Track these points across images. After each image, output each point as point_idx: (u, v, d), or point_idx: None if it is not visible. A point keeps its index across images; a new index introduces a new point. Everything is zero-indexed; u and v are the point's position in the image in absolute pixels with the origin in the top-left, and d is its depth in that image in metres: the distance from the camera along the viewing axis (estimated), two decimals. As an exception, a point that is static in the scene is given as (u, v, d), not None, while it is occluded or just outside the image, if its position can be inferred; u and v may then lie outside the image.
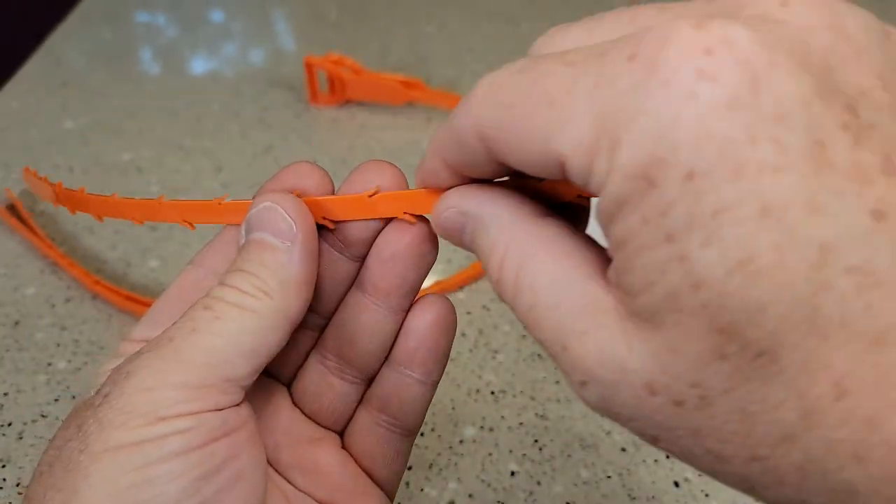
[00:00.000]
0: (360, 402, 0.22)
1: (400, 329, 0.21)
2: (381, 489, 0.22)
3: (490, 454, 0.32)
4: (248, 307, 0.18)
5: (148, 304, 0.37)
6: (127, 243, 0.43)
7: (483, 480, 0.31)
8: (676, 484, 0.31)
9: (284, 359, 0.22)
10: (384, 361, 0.21)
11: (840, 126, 0.12)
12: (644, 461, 0.31)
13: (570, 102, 0.13)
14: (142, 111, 0.55)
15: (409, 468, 0.31)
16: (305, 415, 0.22)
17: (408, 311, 0.21)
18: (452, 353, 0.36)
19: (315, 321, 0.22)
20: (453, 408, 0.34)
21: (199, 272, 0.21)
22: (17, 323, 0.38)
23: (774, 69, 0.12)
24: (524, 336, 0.37)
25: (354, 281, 0.21)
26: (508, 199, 0.17)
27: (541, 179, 0.17)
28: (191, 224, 0.21)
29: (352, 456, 0.22)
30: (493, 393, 0.35)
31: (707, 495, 0.30)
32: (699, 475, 0.31)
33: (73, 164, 0.49)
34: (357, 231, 0.20)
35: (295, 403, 0.22)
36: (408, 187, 0.19)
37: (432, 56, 0.61)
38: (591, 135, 0.13)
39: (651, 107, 0.12)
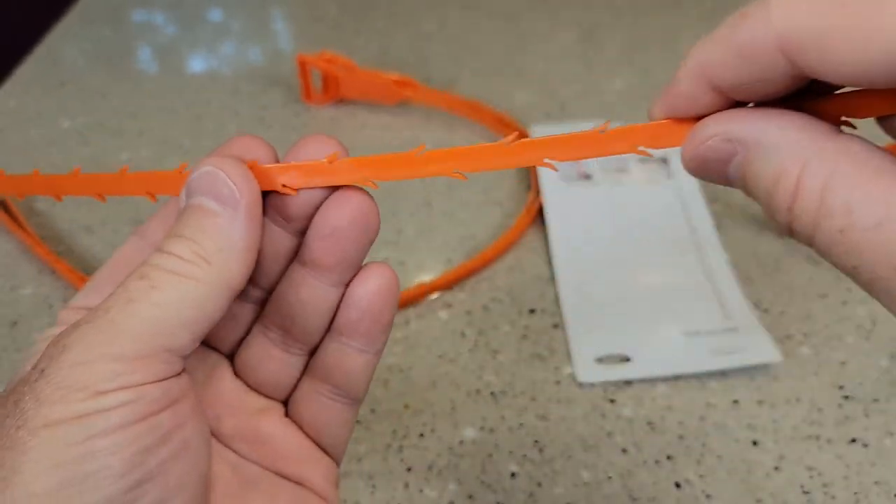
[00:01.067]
0: (303, 371, 0.22)
1: (342, 299, 0.20)
2: (328, 455, 0.22)
3: (490, 455, 0.32)
4: (185, 274, 0.17)
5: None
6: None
7: (483, 482, 0.31)
8: (677, 485, 0.30)
9: (226, 331, 0.21)
10: (327, 332, 0.21)
11: None
12: (645, 462, 0.31)
13: None
14: (140, 110, 0.55)
15: (409, 469, 0.31)
16: (249, 386, 0.22)
17: (350, 281, 0.20)
18: (452, 354, 0.36)
19: (256, 294, 0.21)
20: (453, 408, 0.34)
21: (141, 242, 0.20)
22: (14, 323, 0.38)
23: None
24: (524, 336, 0.37)
25: (295, 255, 0.21)
26: (791, 118, 0.15)
27: (830, 96, 0.15)
28: (153, 196, 0.21)
29: (297, 424, 0.22)
30: (493, 394, 0.34)
31: (708, 496, 0.30)
32: (700, 476, 0.31)
33: (72, 164, 0.49)
34: (297, 205, 0.20)
35: (237, 375, 0.22)
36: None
37: (432, 55, 0.61)
38: None
39: None
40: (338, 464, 0.22)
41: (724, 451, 0.32)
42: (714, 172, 0.16)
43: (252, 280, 0.20)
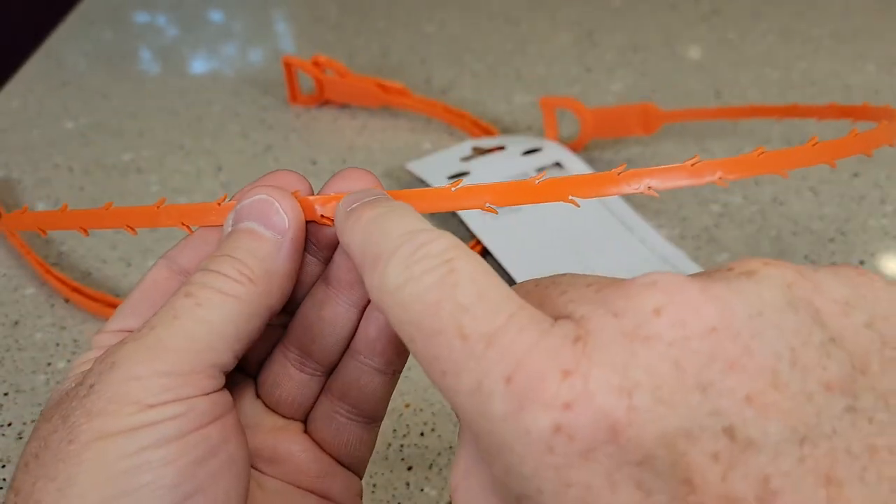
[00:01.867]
0: (321, 391, 0.22)
1: (360, 318, 0.21)
2: (349, 470, 0.22)
3: (490, 454, 0.32)
4: (230, 293, 0.18)
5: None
6: (127, 244, 0.43)
7: (483, 481, 0.31)
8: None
9: (252, 352, 0.22)
10: (345, 351, 0.21)
11: (710, 456, 0.12)
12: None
13: (455, 378, 0.14)
14: (142, 111, 0.55)
15: (410, 469, 0.31)
16: (267, 406, 0.22)
17: (368, 301, 0.21)
18: (452, 354, 0.36)
19: (280, 317, 0.22)
20: (453, 408, 0.34)
21: (172, 266, 0.21)
22: (16, 323, 0.38)
23: (635, 415, 0.12)
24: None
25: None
26: None
27: None
28: (188, 228, 0.21)
29: (316, 442, 0.22)
30: (493, 393, 0.35)
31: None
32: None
33: (74, 165, 0.49)
34: (329, 235, 0.20)
35: (257, 395, 0.22)
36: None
37: (432, 56, 0.61)
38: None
39: (516, 448, 0.13)
40: (360, 476, 0.23)
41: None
42: None
43: None
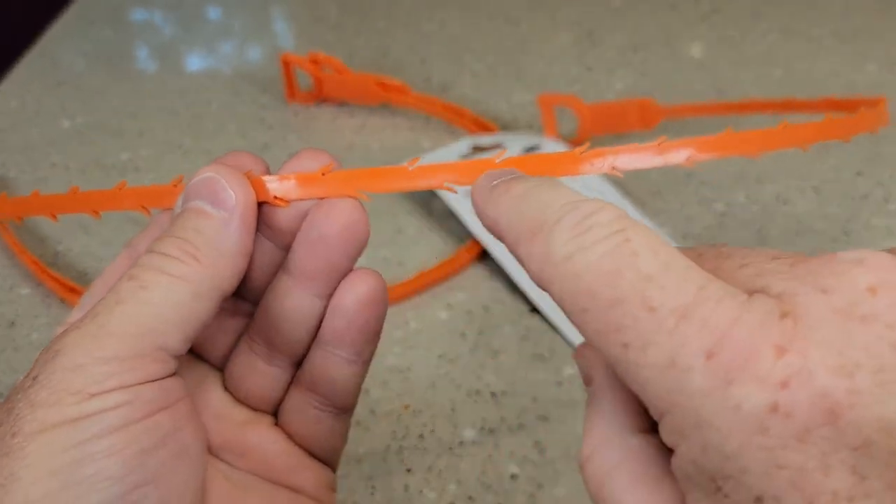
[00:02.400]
0: (291, 382, 0.22)
1: (326, 310, 0.20)
2: (322, 462, 0.22)
3: (490, 456, 0.32)
4: (175, 273, 0.17)
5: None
6: (122, 241, 0.42)
7: (483, 483, 0.31)
8: (679, 486, 0.30)
9: (216, 343, 0.21)
10: (313, 341, 0.21)
11: None
12: (646, 463, 0.31)
13: (640, 351, 0.13)
14: (140, 110, 0.55)
15: (409, 471, 0.31)
16: (236, 399, 0.22)
17: (334, 291, 0.20)
18: (452, 354, 0.36)
19: (244, 307, 0.21)
20: (453, 409, 0.34)
21: (133, 254, 0.20)
22: (12, 323, 0.38)
23: (856, 397, 0.12)
24: (525, 337, 0.37)
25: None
26: (609, 398, 0.17)
27: None
28: (147, 210, 0.21)
29: (287, 434, 0.21)
30: (493, 394, 0.34)
31: (710, 498, 0.30)
32: (702, 478, 0.31)
33: (71, 164, 0.49)
34: (288, 217, 0.20)
35: (226, 388, 0.22)
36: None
37: (432, 55, 0.61)
38: (662, 405, 0.13)
39: (720, 426, 0.12)
40: (333, 470, 0.22)
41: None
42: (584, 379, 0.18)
43: (240, 293, 0.20)
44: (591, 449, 0.16)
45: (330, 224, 0.19)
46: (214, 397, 0.21)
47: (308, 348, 0.21)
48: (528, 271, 0.16)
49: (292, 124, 0.53)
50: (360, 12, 0.68)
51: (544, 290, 0.15)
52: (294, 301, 0.20)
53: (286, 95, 0.55)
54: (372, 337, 0.20)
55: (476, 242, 0.41)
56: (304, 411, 0.21)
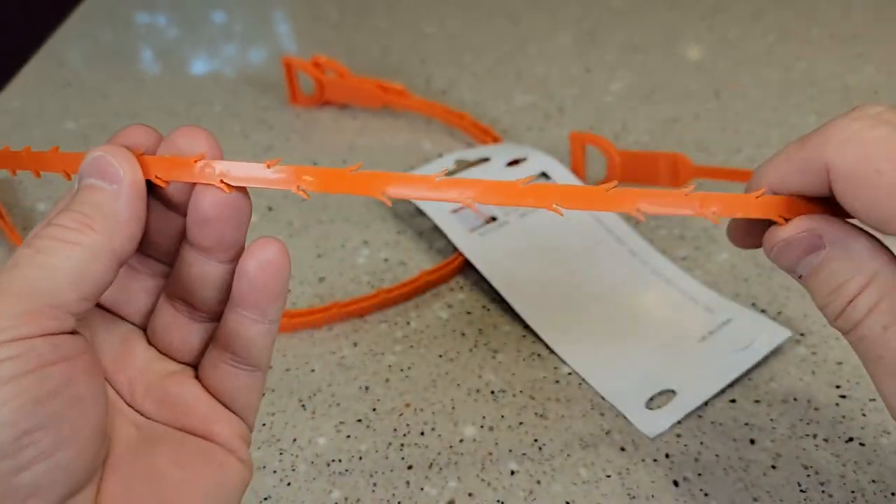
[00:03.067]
0: (209, 337, 0.23)
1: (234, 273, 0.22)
2: (237, 415, 0.23)
3: (490, 453, 0.32)
4: (69, 240, 0.19)
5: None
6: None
7: (483, 479, 0.31)
8: (675, 483, 0.31)
9: (136, 302, 0.23)
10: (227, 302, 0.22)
11: None
12: (643, 460, 0.32)
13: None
14: (143, 112, 0.55)
15: (410, 468, 0.32)
16: (161, 352, 0.23)
17: (238, 257, 0.22)
18: (452, 353, 0.37)
19: (159, 268, 0.23)
20: (453, 407, 0.34)
21: None
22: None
23: None
24: (524, 336, 0.37)
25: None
26: (866, 239, 0.21)
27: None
28: (68, 176, 0.23)
29: (206, 388, 0.23)
30: (492, 392, 0.35)
31: (706, 494, 0.30)
32: (698, 474, 0.31)
33: (75, 165, 0.49)
34: (173, 194, 0.21)
35: (150, 343, 0.23)
36: (219, 149, 0.21)
37: (432, 56, 0.61)
38: None
39: None
40: (250, 426, 0.24)
41: (721, 450, 0.32)
42: (790, 257, 0.21)
43: (153, 255, 0.23)
44: (869, 276, 0.20)
45: (208, 207, 0.21)
46: (139, 353, 0.23)
47: (223, 306, 0.23)
48: None
49: (294, 126, 0.54)
50: (361, 13, 0.68)
51: None
52: (200, 268, 0.22)
53: (289, 98, 0.55)
54: (275, 298, 0.22)
55: (460, 255, 0.41)
56: (220, 367, 0.23)
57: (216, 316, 0.23)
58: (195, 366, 0.23)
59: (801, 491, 0.30)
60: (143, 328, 0.23)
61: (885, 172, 0.18)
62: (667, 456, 0.32)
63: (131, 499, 0.20)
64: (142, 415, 0.22)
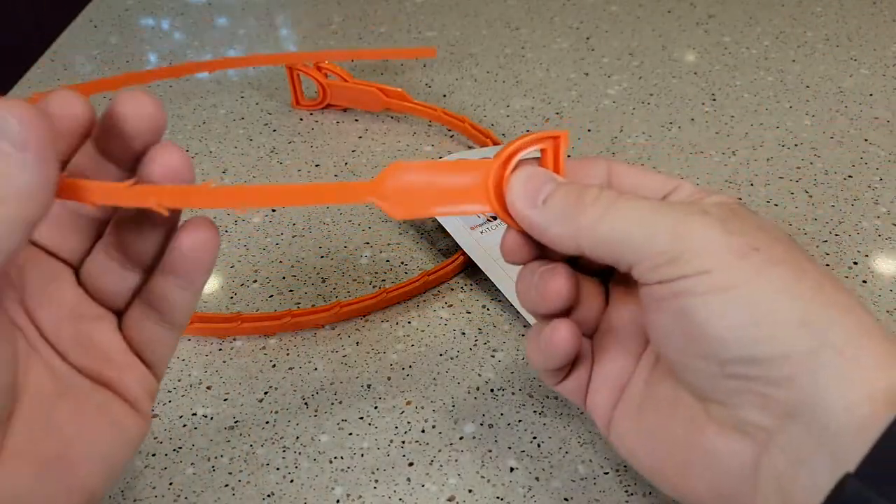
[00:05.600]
0: (138, 289, 0.24)
1: (167, 236, 0.23)
2: (149, 369, 0.25)
3: (489, 451, 0.33)
4: None
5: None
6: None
7: (483, 476, 0.32)
8: (670, 479, 0.31)
9: (71, 243, 0.24)
10: (159, 261, 0.24)
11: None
12: (639, 457, 0.32)
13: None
14: (148, 115, 0.56)
15: (411, 464, 0.32)
16: (90, 295, 0.24)
17: (173, 227, 0.23)
18: (453, 352, 0.37)
19: (99, 214, 0.24)
20: (454, 405, 0.35)
21: None
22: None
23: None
24: (523, 335, 0.38)
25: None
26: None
27: None
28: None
29: (126, 339, 0.24)
30: (492, 391, 0.35)
31: (700, 490, 0.31)
32: (692, 470, 0.32)
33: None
34: (101, 140, 0.22)
35: (81, 284, 0.24)
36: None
37: (432, 61, 0.62)
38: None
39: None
40: (158, 379, 0.25)
41: (715, 446, 0.33)
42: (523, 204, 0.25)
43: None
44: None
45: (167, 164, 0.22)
46: (68, 293, 0.24)
47: (154, 261, 0.24)
48: None
49: (297, 129, 0.54)
50: (363, 19, 0.69)
51: None
52: (140, 220, 0.23)
53: (292, 102, 0.56)
54: (203, 270, 0.23)
55: (462, 254, 0.41)
56: (143, 322, 0.24)
57: (147, 269, 0.24)
58: (119, 313, 0.24)
59: (793, 486, 0.31)
60: (77, 269, 0.24)
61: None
62: (662, 452, 0.32)
63: (30, 450, 0.21)
64: (59, 354, 0.23)
